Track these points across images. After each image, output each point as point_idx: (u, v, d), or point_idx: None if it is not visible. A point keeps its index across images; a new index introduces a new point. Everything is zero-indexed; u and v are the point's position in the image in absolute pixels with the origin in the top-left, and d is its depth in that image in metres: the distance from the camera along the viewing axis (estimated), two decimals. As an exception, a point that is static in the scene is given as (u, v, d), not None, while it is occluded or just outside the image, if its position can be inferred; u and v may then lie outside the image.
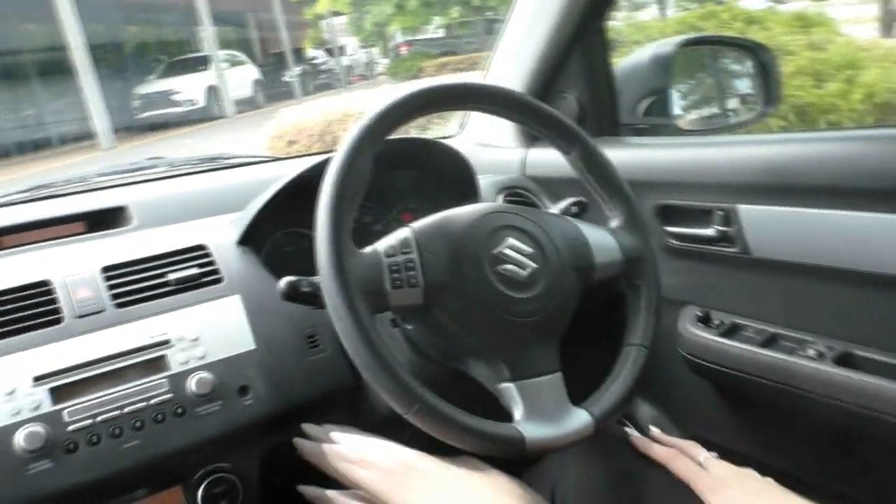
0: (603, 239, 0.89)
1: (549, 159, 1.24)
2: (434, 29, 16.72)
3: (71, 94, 11.37)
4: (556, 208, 0.97)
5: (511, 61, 1.32)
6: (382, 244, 0.78)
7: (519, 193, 1.27)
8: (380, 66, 18.13)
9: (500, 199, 1.24)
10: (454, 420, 0.73)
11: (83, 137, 11.29)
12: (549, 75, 1.29)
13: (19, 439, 0.76)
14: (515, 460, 0.77)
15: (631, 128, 1.29)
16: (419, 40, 16.64)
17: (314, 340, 0.97)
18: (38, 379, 0.80)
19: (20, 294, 0.86)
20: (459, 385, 0.83)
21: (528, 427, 0.76)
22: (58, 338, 0.83)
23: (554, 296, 0.82)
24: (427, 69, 10.64)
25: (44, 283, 0.88)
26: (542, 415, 0.78)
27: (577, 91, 1.28)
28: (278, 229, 1.06)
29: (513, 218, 0.84)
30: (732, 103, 1.47)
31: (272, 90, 15.81)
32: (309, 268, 1.06)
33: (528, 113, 0.89)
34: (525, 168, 1.33)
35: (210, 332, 0.91)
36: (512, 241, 0.82)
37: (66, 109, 12.47)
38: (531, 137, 1.36)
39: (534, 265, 0.82)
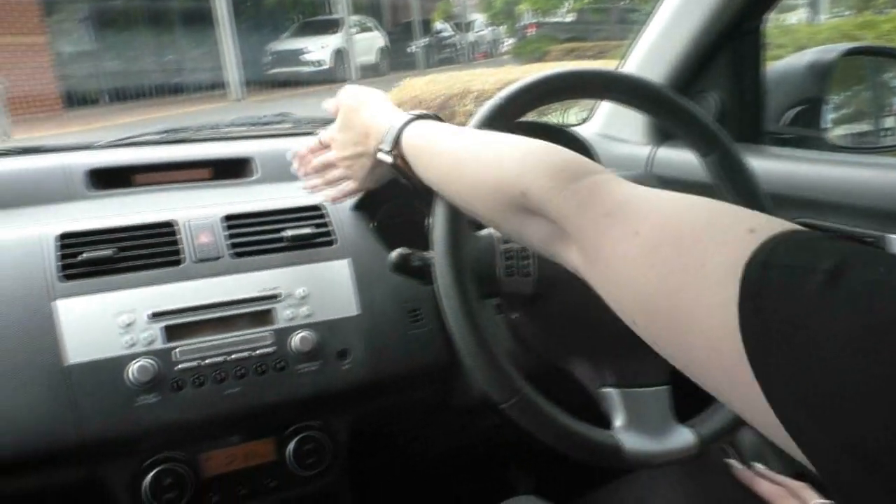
0: None
1: (681, 159, 1.18)
2: (564, 13, 16.39)
3: (209, 44, 11.92)
4: None
5: (652, 53, 1.25)
6: None
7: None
8: (505, 45, 17.99)
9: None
10: (551, 418, 0.71)
11: (215, 87, 11.84)
12: (692, 72, 1.22)
13: (131, 371, 0.79)
14: (604, 468, 0.74)
15: (773, 136, 1.21)
16: (547, 23, 16.36)
17: (416, 314, 0.96)
18: (155, 316, 0.83)
19: (147, 232, 0.90)
20: (557, 381, 0.80)
21: (627, 437, 0.73)
22: (176, 279, 0.86)
23: None
24: (552, 53, 10.43)
25: (168, 224, 0.91)
26: (643, 427, 0.74)
27: (720, 91, 1.21)
28: (393, 199, 1.05)
29: None
30: (890, 122, 1.35)
31: (396, 59, 16.00)
32: (418, 241, 1.06)
33: (670, 109, 0.84)
34: (652, 166, 1.27)
35: (317, 292, 0.92)
36: None
37: (202, 58, 13.09)
38: (662, 134, 1.30)
39: None
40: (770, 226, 0.38)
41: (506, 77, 4.91)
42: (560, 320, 0.76)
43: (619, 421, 0.75)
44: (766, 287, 0.35)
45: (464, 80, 5.05)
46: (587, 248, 0.51)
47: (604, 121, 1.38)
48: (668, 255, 0.42)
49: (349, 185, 0.86)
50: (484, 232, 0.76)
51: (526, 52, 11.91)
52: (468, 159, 0.64)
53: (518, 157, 0.59)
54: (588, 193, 0.52)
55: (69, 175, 1.07)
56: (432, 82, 5.11)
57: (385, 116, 0.75)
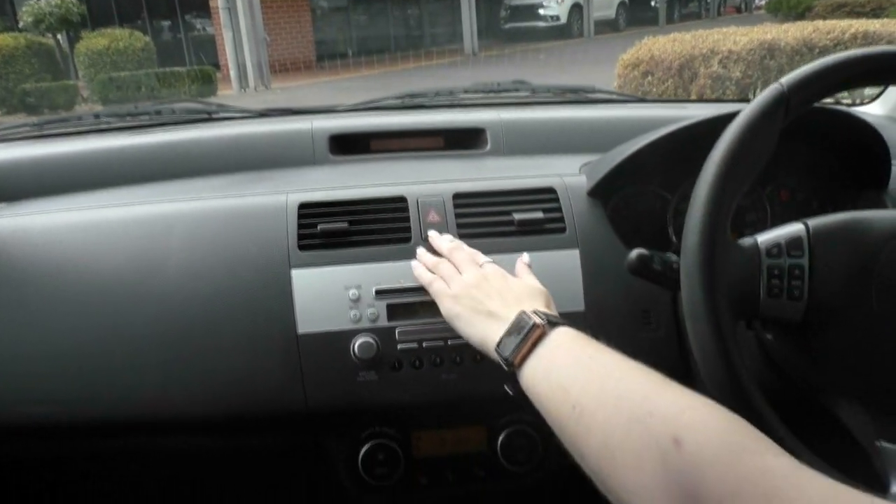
0: None
1: None
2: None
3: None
4: None
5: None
6: (765, 239, 0.65)
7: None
8: (759, -2, 16.38)
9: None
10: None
11: (451, 41, 12.13)
12: None
13: (356, 346, 0.80)
14: None
15: None
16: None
17: (648, 316, 0.87)
18: (380, 293, 0.83)
19: (379, 206, 0.89)
20: (815, 420, 0.68)
21: None
22: (403, 256, 0.85)
23: None
24: (816, 8, 9.24)
25: (401, 199, 0.90)
26: None
27: None
28: (633, 183, 0.96)
29: None
30: None
31: (635, 14, 15.26)
32: (657, 235, 0.96)
33: None
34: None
35: (542, 282, 0.85)
36: None
37: (441, 13, 13.47)
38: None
39: None
40: None
41: (761, 37, 4.43)
42: (834, 354, 0.63)
43: None
44: None
45: (711, 39, 4.62)
46: None
47: (897, 101, 1.15)
48: None
49: (435, 289, 0.79)
50: (748, 241, 0.64)
51: (784, 7, 10.69)
52: (611, 380, 0.57)
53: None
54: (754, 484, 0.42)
55: (315, 139, 1.10)
56: (675, 41, 4.74)
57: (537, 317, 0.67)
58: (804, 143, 0.95)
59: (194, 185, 0.99)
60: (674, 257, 0.73)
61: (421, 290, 0.84)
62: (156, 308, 0.81)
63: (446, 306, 0.76)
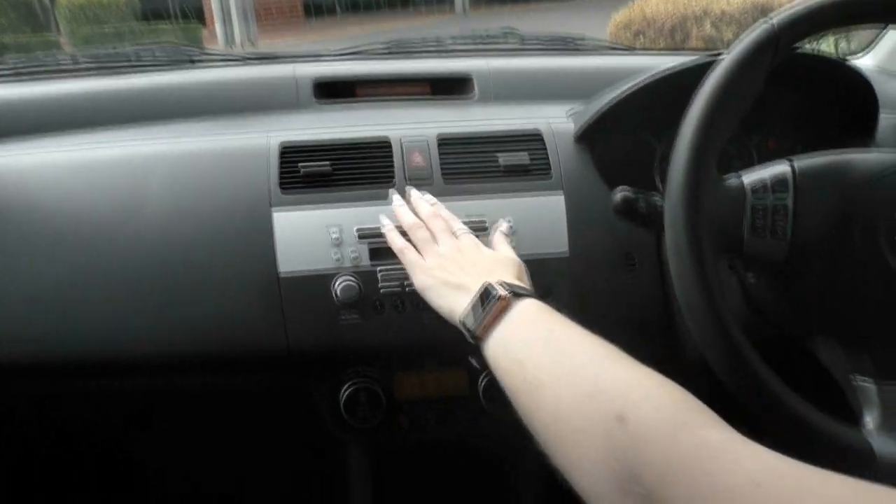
0: None
1: None
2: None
3: (439, -44, 11.98)
4: None
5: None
6: (750, 177, 0.64)
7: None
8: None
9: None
10: (786, 405, 0.60)
11: (442, 1, 11.93)
12: None
13: (337, 287, 0.80)
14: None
15: None
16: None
17: (631, 260, 0.87)
18: (362, 235, 0.82)
19: (363, 148, 0.88)
20: (792, 359, 0.68)
21: (883, 441, 0.61)
22: (386, 198, 0.84)
23: None
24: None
25: (385, 142, 0.89)
26: None
27: None
28: (619, 130, 0.95)
29: None
30: None
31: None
32: (644, 181, 0.95)
33: None
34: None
35: (526, 226, 0.86)
36: None
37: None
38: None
39: None
40: None
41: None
42: (814, 294, 0.64)
43: (871, 420, 0.63)
44: None
45: (705, -1, 4.58)
46: None
47: (889, 53, 1.14)
48: None
49: (408, 259, 0.77)
50: (733, 180, 0.64)
51: (778, -32, 10.56)
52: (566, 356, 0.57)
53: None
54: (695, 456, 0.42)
55: (298, 84, 1.08)
56: (668, 1, 4.69)
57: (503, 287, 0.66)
58: (794, 91, 0.94)
59: (175, 128, 0.97)
60: (659, 198, 0.73)
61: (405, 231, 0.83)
62: (135, 248, 0.80)
63: (419, 279, 0.75)
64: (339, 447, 0.97)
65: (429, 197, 0.84)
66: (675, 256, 0.61)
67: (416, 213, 0.81)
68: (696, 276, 0.59)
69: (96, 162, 0.86)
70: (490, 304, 0.64)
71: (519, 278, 0.72)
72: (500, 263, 0.73)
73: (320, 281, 0.80)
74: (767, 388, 0.60)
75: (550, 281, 0.85)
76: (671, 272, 0.62)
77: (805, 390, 0.62)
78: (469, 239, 0.77)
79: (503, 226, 0.83)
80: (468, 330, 0.66)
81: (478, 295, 0.67)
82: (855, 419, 0.64)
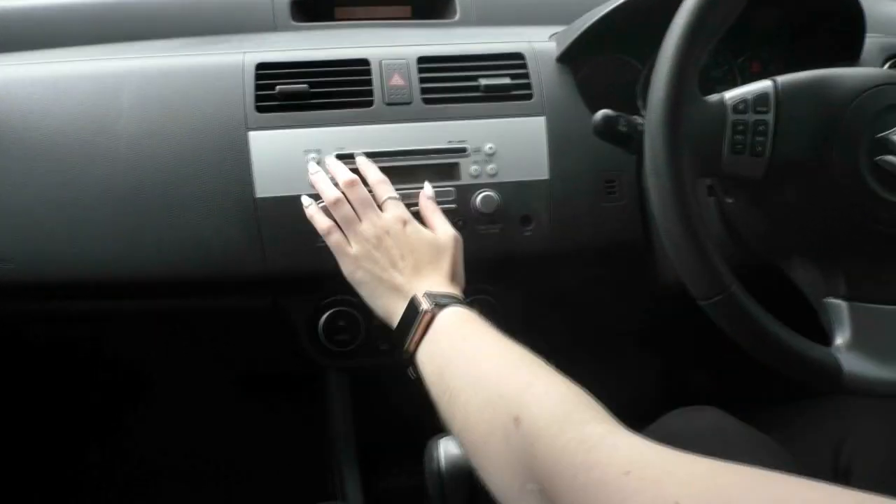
0: None
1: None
2: None
3: None
4: None
5: None
6: (732, 95, 0.63)
7: (914, 66, 0.98)
8: None
9: (886, 69, 0.97)
10: (759, 324, 0.61)
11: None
12: None
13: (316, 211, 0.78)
14: (798, 385, 0.63)
15: None
16: None
17: (612, 185, 0.87)
18: (341, 157, 0.81)
19: (341, 68, 0.86)
20: (769, 283, 0.69)
21: (850, 358, 0.62)
22: (364, 120, 0.83)
23: None
24: None
25: (363, 62, 0.86)
26: (872, 349, 0.62)
27: None
28: (603, 52, 0.93)
29: None
30: None
31: None
32: (627, 105, 0.94)
33: None
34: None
35: (507, 149, 0.85)
36: None
37: None
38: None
39: None
40: None
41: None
42: (790, 215, 0.63)
43: (841, 338, 0.64)
44: None
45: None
46: None
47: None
48: None
49: (333, 243, 0.75)
50: (714, 97, 0.63)
51: None
52: (473, 364, 0.58)
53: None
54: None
55: (275, 4, 1.06)
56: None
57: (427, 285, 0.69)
58: (779, 9, 0.92)
59: (147, 45, 0.95)
60: (640, 120, 0.72)
61: (384, 155, 0.82)
62: (106, 167, 0.78)
63: (348, 269, 0.74)
64: (319, 373, 0.98)
65: (362, 161, 0.80)
66: (654, 177, 0.60)
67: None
68: (675, 195, 0.59)
69: (65, 77, 0.83)
70: (417, 320, 0.66)
71: (452, 265, 0.73)
72: (428, 252, 0.73)
73: (298, 204, 0.79)
74: (743, 309, 0.60)
75: (532, 206, 0.84)
76: (649, 191, 0.62)
77: (779, 313, 0.62)
78: (394, 215, 0.74)
79: (428, 190, 0.79)
80: (401, 347, 0.68)
81: (406, 310, 0.68)
82: (826, 340, 0.65)
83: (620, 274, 0.94)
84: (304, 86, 0.83)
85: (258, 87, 0.83)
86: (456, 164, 0.83)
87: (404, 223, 0.74)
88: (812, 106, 0.62)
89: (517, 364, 0.56)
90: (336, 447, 0.94)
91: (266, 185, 0.80)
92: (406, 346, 0.67)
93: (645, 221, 0.87)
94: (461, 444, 0.57)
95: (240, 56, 0.85)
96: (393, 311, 0.70)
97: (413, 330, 0.66)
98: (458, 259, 0.75)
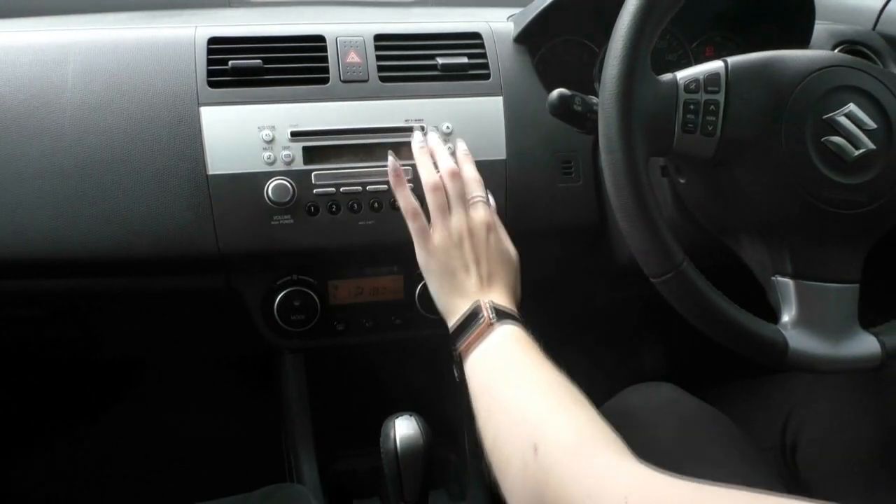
0: None
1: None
2: None
3: None
4: None
5: None
6: (684, 75, 0.64)
7: (860, 52, 1.00)
8: None
9: (834, 52, 0.99)
10: (709, 301, 0.62)
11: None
12: None
13: (270, 188, 0.77)
14: (748, 362, 0.65)
15: None
16: None
17: (569, 166, 0.87)
18: (295, 135, 0.80)
19: (296, 45, 0.85)
20: (718, 262, 0.70)
21: (796, 335, 0.63)
22: (320, 97, 0.82)
23: (885, 191, 0.64)
24: None
25: (319, 38, 0.85)
26: (817, 326, 0.64)
27: None
28: (560, 34, 0.93)
29: (863, 79, 0.65)
30: None
31: None
32: (584, 87, 0.94)
33: None
34: (878, 22, 1.05)
35: (464, 129, 0.84)
36: (853, 108, 0.63)
37: None
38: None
39: (871, 146, 0.63)
40: None
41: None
42: (739, 193, 0.64)
43: (788, 315, 0.65)
44: None
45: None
46: None
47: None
48: None
49: (416, 228, 0.75)
50: (667, 76, 0.63)
51: None
52: (511, 387, 0.61)
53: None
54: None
55: None
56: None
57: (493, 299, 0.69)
58: None
59: (96, 18, 0.92)
60: (595, 99, 0.72)
61: (340, 133, 0.81)
62: (50, 142, 0.76)
63: (422, 257, 0.74)
64: (274, 355, 0.97)
65: (459, 149, 0.80)
66: (607, 154, 0.61)
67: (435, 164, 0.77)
68: (628, 171, 0.59)
69: (5, 47, 0.80)
70: (475, 326, 0.67)
71: (513, 280, 0.74)
72: (500, 263, 0.73)
73: (252, 182, 0.78)
74: (693, 287, 0.61)
75: (489, 185, 0.84)
76: (603, 169, 0.62)
77: (730, 292, 0.64)
78: (483, 219, 0.74)
79: (393, 163, 0.78)
80: (454, 346, 0.69)
81: (468, 312, 0.69)
82: (773, 317, 0.66)
83: (577, 254, 0.94)
84: (258, 61, 0.82)
85: (210, 62, 0.81)
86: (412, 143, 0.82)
87: (489, 229, 0.74)
88: (761, 87, 0.63)
89: (546, 391, 0.58)
90: (292, 429, 0.93)
91: (218, 162, 0.78)
92: (458, 346, 0.68)
93: (600, 202, 0.88)
94: (489, 462, 0.58)
95: (191, 30, 0.83)
96: (454, 310, 0.71)
97: (469, 334, 0.67)
98: (519, 277, 0.76)
